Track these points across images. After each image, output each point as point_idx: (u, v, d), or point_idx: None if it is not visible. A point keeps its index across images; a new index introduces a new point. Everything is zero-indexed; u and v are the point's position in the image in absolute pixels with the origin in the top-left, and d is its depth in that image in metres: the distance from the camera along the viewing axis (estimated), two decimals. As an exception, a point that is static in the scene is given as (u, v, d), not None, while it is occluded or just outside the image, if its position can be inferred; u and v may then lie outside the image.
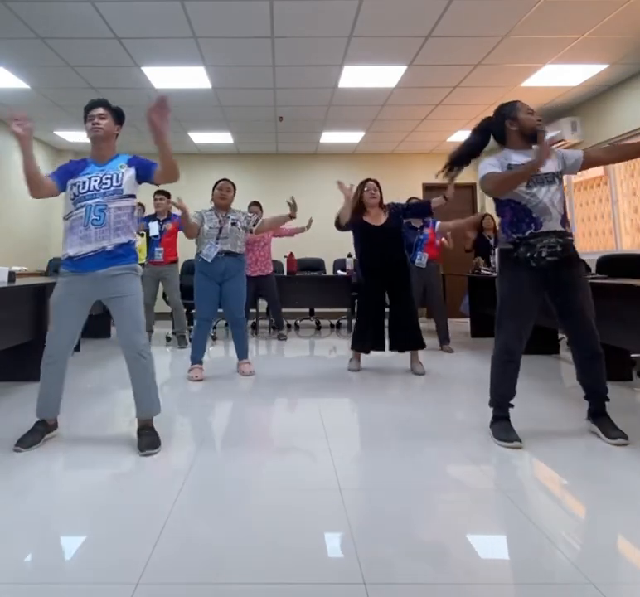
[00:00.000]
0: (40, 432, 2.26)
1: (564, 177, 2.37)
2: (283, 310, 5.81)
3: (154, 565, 1.34)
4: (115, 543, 1.46)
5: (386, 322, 3.79)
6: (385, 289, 3.74)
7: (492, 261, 5.00)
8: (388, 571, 1.32)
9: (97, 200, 2.20)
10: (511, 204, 2.29)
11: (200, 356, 3.70)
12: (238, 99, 5.50)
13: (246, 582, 1.28)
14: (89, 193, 2.21)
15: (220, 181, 3.77)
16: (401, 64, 4.61)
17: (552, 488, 1.84)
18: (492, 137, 2.41)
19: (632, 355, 3.43)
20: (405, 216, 3.84)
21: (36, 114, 5.98)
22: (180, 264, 5.33)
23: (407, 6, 3.60)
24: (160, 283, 5.05)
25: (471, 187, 7.86)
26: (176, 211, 4.74)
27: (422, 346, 3.75)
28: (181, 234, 5.05)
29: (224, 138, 6.97)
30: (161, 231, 4.97)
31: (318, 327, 6.48)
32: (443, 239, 4.90)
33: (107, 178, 2.24)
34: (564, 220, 2.27)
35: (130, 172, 2.29)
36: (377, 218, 3.71)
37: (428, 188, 7.72)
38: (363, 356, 3.89)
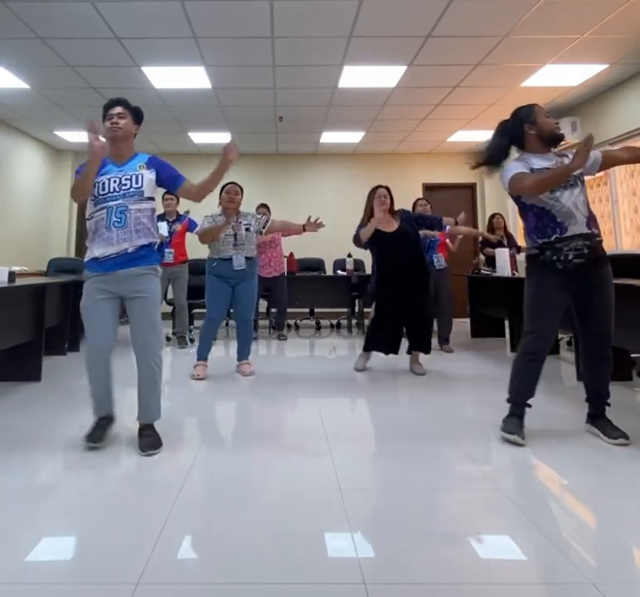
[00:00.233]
0: (104, 426, 2.28)
1: None
2: (283, 310, 5.81)
3: (154, 565, 1.35)
4: (115, 543, 1.46)
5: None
6: (400, 294, 3.64)
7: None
8: (388, 571, 1.32)
9: (118, 202, 2.20)
10: (534, 209, 2.28)
11: (205, 353, 3.74)
12: (238, 99, 5.50)
13: (246, 582, 1.28)
14: (109, 195, 2.20)
15: (227, 184, 3.74)
16: (401, 64, 4.61)
17: (552, 488, 1.84)
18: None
19: (632, 355, 3.43)
20: (417, 225, 3.78)
21: (36, 114, 5.99)
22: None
23: (407, 6, 3.60)
24: (168, 284, 5.04)
25: (471, 187, 7.86)
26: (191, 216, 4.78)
27: (426, 350, 3.74)
28: (187, 235, 5.07)
29: (224, 138, 6.97)
30: (170, 232, 4.96)
31: (318, 327, 6.49)
32: (447, 240, 4.90)
33: (126, 179, 2.23)
34: (591, 222, 2.25)
35: (150, 175, 2.28)
36: (389, 225, 3.67)
37: (428, 188, 7.73)
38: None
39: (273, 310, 5.99)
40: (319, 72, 4.77)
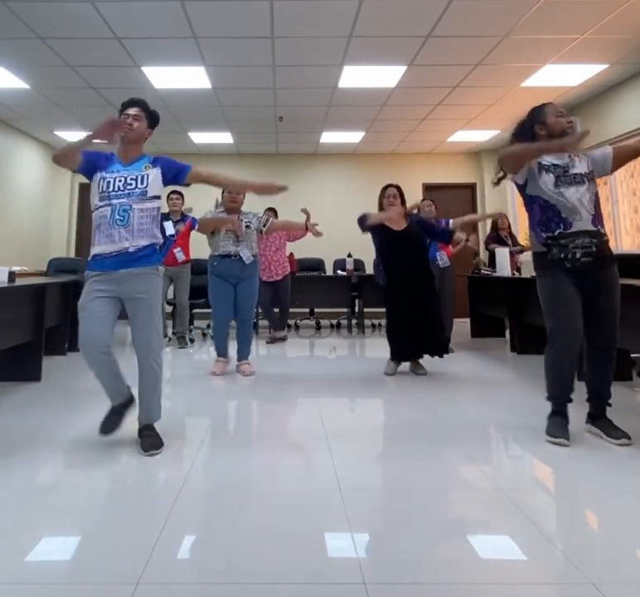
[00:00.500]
0: (119, 413, 2.27)
1: None
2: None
3: (154, 565, 1.34)
4: (115, 543, 1.46)
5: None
6: (404, 300, 3.60)
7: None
8: (388, 571, 1.32)
9: (122, 200, 2.20)
10: (540, 201, 2.29)
11: (222, 350, 3.83)
12: (238, 99, 5.50)
13: (246, 582, 1.28)
14: (114, 193, 2.21)
15: None
16: (401, 64, 4.61)
17: (552, 488, 1.85)
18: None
19: (632, 355, 3.43)
20: (423, 230, 3.77)
21: (36, 114, 5.99)
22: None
23: (407, 6, 3.60)
24: (171, 283, 5.03)
25: (471, 187, 7.87)
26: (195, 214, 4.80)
27: (442, 352, 3.66)
28: (191, 235, 5.06)
29: (224, 138, 6.97)
30: (176, 230, 4.94)
31: (318, 327, 6.49)
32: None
33: (131, 179, 2.23)
34: (597, 220, 2.25)
35: (155, 173, 2.27)
36: (398, 223, 3.68)
37: (428, 188, 7.73)
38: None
39: (276, 310, 5.98)
40: (319, 72, 4.77)
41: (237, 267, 3.67)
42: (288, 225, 3.91)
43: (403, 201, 3.74)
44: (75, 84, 5.02)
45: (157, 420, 2.31)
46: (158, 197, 2.29)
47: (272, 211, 5.58)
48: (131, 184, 2.22)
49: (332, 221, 8.09)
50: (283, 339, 5.55)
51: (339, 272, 6.43)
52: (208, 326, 5.31)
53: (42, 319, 3.63)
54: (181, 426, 2.60)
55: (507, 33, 4.01)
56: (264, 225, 3.79)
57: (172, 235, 4.90)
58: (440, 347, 3.67)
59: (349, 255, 6.21)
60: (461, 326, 5.95)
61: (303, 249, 6.79)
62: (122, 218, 2.18)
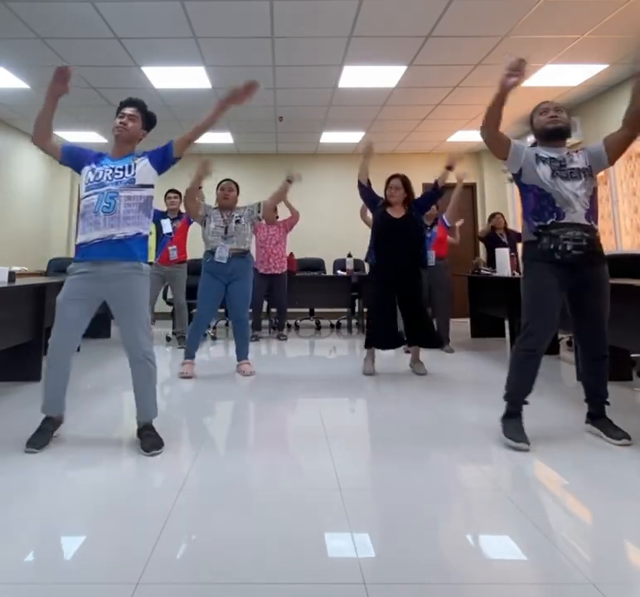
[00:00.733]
0: (49, 431, 2.26)
1: None
2: (283, 310, 5.80)
3: (154, 565, 1.34)
4: (115, 543, 1.46)
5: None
6: (391, 287, 3.66)
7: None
8: (388, 571, 1.32)
9: (108, 188, 2.21)
10: (535, 189, 2.30)
11: (193, 350, 3.74)
12: (238, 99, 5.50)
13: (246, 582, 1.28)
14: (100, 182, 2.23)
15: (222, 181, 3.78)
16: (401, 64, 4.61)
17: (552, 489, 1.84)
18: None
19: (632, 355, 3.43)
20: (421, 210, 3.86)
21: (36, 114, 5.98)
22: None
23: (407, 6, 3.60)
24: (165, 283, 5.03)
25: (471, 187, 7.85)
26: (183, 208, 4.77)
27: (437, 344, 3.79)
28: (190, 234, 5.04)
29: (224, 138, 6.97)
30: (173, 228, 4.93)
31: (318, 327, 6.49)
32: (449, 237, 4.89)
33: (119, 169, 2.26)
34: (590, 215, 2.25)
35: (142, 162, 2.29)
36: (398, 211, 3.73)
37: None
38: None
39: (273, 310, 5.98)
40: (319, 72, 4.77)
41: (229, 266, 3.62)
42: (276, 195, 3.94)
43: (409, 192, 3.78)
44: (75, 84, 4.95)
45: (155, 417, 2.32)
46: (149, 186, 2.29)
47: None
48: (119, 174, 2.25)
49: (332, 221, 8.11)
50: (257, 339, 5.41)
51: (339, 272, 6.43)
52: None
53: (42, 319, 3.63)
54: (180, 426, 2.60)
55: (507, 33, 4.02)
56: (259, 211, 3.76)
57: (169, 233, 4.90)
58: (429, 339, 3.70)
59: (349, 255, 6.21)
60: (461, 326, 5.96)
61: (303, 249, 6.80)
62: (108, 205, 2.19)
